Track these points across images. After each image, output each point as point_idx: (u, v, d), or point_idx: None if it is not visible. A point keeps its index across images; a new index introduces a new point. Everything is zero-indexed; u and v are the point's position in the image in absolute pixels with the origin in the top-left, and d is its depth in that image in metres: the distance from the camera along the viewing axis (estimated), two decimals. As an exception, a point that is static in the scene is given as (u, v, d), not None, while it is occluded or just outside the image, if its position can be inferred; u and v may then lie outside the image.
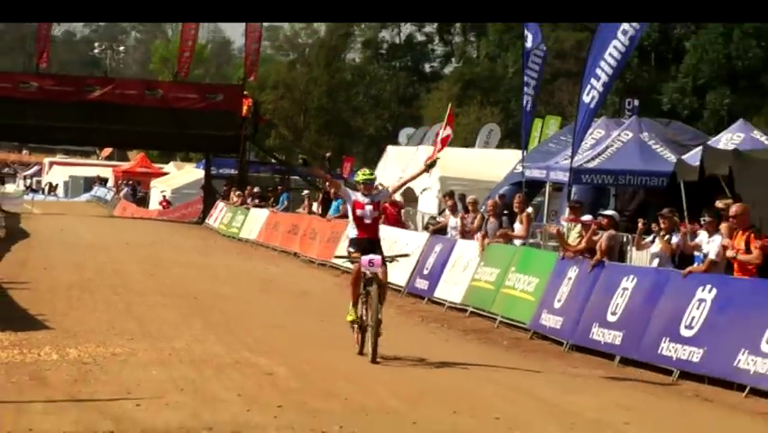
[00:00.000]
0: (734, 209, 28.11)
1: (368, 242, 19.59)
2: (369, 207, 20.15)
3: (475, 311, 37.67)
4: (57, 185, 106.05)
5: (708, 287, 26.20)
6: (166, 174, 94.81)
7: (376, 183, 22.52)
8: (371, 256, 18.77)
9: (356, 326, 20.60)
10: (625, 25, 38.65)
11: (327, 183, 20.83)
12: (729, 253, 27.39)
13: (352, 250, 19.74)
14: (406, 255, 30.97)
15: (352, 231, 20.48)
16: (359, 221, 19.83)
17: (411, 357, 26.59)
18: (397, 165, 69.27)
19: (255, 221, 72.02)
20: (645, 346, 27.35)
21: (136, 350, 23.97)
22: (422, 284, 41.76)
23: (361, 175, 20.47)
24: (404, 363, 25.12)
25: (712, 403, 23.07)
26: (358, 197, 19.59)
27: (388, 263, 23.10)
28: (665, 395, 23.93)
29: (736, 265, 27.40)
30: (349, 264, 26.83)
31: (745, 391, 23.40)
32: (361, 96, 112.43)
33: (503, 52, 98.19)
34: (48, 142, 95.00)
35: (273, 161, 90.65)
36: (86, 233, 65.46)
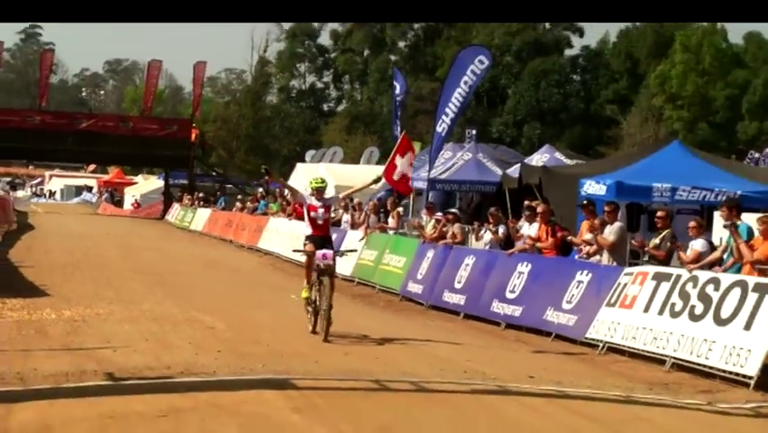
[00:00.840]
0: (539, 209, 28.81)
1: (320, 238, 18.99)
2: (321, 210, 19.50)
3: (360, 282, 37.86)
4: (55, 191, 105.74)
5: (525, 263, 26.60)
6: (135, 183, 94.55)
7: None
8: (325, 251, 18.28)
9: (310, 307, 19.47)
10: (466, 77, 38.37)
11: (287, 188, 19.20)
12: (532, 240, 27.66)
13: (306, 243, 19.11)
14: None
15: (307, 229, 19.75)
16: (312, 221, 19.18)
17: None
18: (305, 177, 69.41)
19: (201, 217, 71.82)
20: (481, 306, 27.80)
21: (114, 311, 24.05)
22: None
23: (313, 183, 19.80)
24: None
25: (528, 345, 23.35)
26: (312, 200, 18.98)
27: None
28: (496, 340, 24.30)
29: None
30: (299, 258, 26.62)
31: (551, 337, 24.12)
32: (277, 126, 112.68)
33: (379, 96, 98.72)
34: (47, 160, 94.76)
35: (214, 173, 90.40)
36: (76, 226, 65.00)
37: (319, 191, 19.29)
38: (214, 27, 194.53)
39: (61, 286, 29.65)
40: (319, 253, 17.99)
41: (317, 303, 19.19)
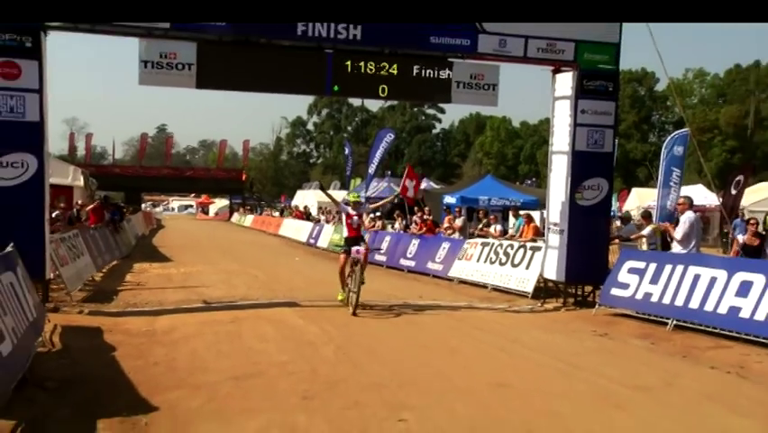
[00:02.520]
0: (425, 212, 28.28)
1: (354, 239, 15.64)
2: (355, 218, 15.87)
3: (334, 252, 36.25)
4: (174, 208, 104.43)
5: (416, 239, 26.32)
6: (214, 202, 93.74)
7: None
8: (358, 247, 15.09)
9: (348, 296, 15.31)
10: (383, 144, 38.19)
11: (331, 199, 16.40)
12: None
13: (344, 246, 15.84)
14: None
15: (344, 231, 16.32)
16: (349, 226, 15.91)
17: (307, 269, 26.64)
18: (302, 197, 68.92)
19: (249, 219, 70.85)
20: (395, 261, 26.64)
21: (205, 269, 23.94)
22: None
23: (351, 197, 16.72)
24: (314, 273, 25.03)
25: (419, 281, 23.11)
26: (349, 210, 15.86)
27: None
28: (402, 279, 23.72)
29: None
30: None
31: (430, 276, 23.49)
32: (286, 171, 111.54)
33: (339, 154, 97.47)
34: (170, 191, 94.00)
35: (254, 196, 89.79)
36: (184, 226, 64.24)
37: (356, 204, 16.22)
38: (253, 121, 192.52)
39: (179, 256, 29.40)
40: (354, 248, 15.11)
41: (351, 287, 15.36)
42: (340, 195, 56.68)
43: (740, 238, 18.40)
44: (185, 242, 40.47)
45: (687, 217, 16.28)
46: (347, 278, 15.73)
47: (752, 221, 13.59)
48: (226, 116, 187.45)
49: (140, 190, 75.35)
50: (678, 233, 16.20)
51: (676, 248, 16.13)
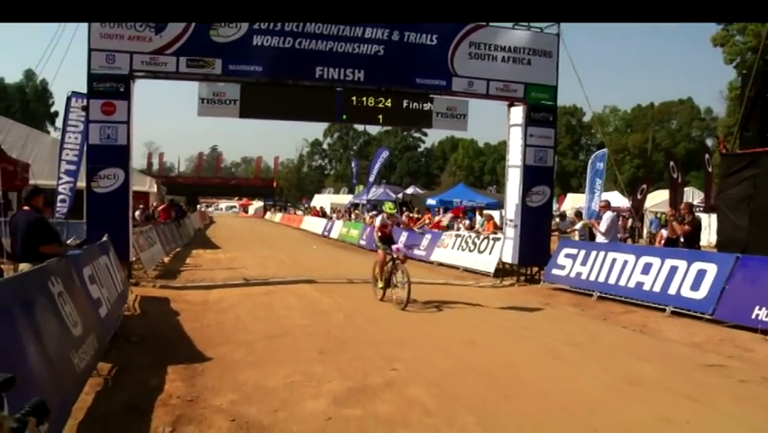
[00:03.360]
0: (414, 212, 28.06)
1: (389, 239, 13.58)
2: (390, 227, 14.19)
3: (341, 240, 36.21)
4: (222, 208, 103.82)
5: (405, 232, 26.25)
6: (252, 204, 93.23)
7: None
8: (396, 245, 13.31)
9: (382, 284, 13.52)
10: (380, 159, 38.31)
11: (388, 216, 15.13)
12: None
13: (381, 244, 13.52)
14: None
15: (378, 233, 14.09)
16: (383, 229, 13.81)
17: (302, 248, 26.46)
18: (318, 200, 68.82)
19: (278, 216, 70.51)
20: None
21: (245, 254, 23.77)
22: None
23: (387, 209, 14.20)
24: (318, 251, 24.92)
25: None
26: (384, 219, 13.95)
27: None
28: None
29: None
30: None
31: (416, 260, 23.25)
32: (307, 180, 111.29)
33: (347, 168, 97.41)
34: (219, 195, 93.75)
35: (283, 199, 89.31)
36: (229, 222, 64.11)
37: (390, 215, 14.18)
38: (282, 142, 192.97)
39: (225, 244, 29.36)
40: (394, 246, 13.18)
41: (393, 280, 13.30)
42: (347, 198, 57.19)
43: (663, 232, 18.37)
44: (230, 234, 40.37)
45: (608, 216, 16.40)
46: (386, 273, 13.41)
47: (682, 210, 13.47)
48: (262, 139, 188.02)
49: (197, 195, 75.02)
50: (602, 227, 16.26)
51: (600, 239, 16.17)
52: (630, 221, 29.87)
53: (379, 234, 13.82)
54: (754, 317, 10.75)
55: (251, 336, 9.57)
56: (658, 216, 33.42)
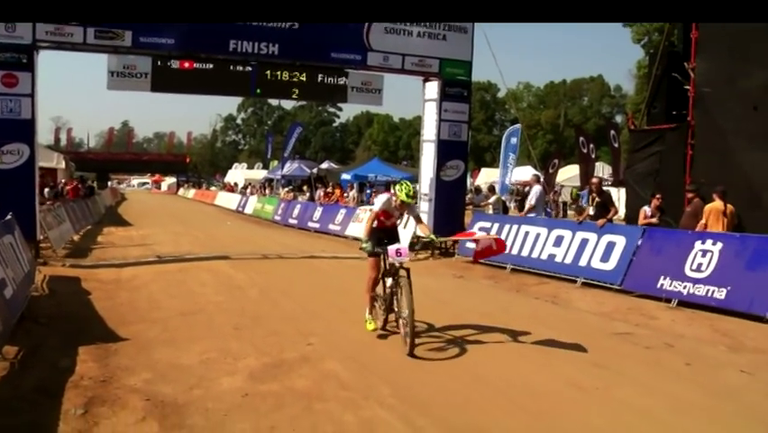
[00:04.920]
0: (329, 187, 27.94)
1: (387, 232, 8.49)
2: (395, 215, 8.83)
3: (254, 216, 35.83)
4: (134, 184, 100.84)
5: (319, 207, 26.17)
6: (165, 180, 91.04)
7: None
8: (398, 246, 7.90)
9: (383, 315, 8.31)
10: (294, 135, 38.05)
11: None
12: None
13: (368, 244, 8.19)
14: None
15: (365, 224, 8.69)
16: (384, 215, 8.48)
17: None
18: (232, 175, 68.04)
19: (191, 192, 69.05)
20: (303, 223, 26.69)
21: (158, 231, 23.32)
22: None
23: (402, 191, 8.12)
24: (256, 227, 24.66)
25: (321, 239, 22.80)
26: (391, 204, 8.45)
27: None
28: (310, 238, 23.49)
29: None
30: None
31: (331, 234, 23.20)
32: (220, 156, 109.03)
33: (261, 143, 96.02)
34: (131, 172, 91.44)
35: (195, 175, 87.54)
36: (142, 198, 62.37)
37: (403, 204, 8.18)
38: (195, 117, 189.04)
39: (138, 221, 28.65)
40: (392, 248, 7.80)
41: (392, 304, 8.01)
42: (261, 174, 56.51)
43: (591, 210, 18.79)
44: (142, 210, 39.40)
45: (536, 189, 16.84)
46: (386, 293, 8.13)
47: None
48: (175, 114, 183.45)
49: (108, 171, 73.50)
50: (531, 200, 16.61)
51: (531, 213, 16.39)
52: (555, 195, 30.40)
53: (376, 223, 8.46)
54: (659, 286, 11.20)
55: (165, 313, 9.42)
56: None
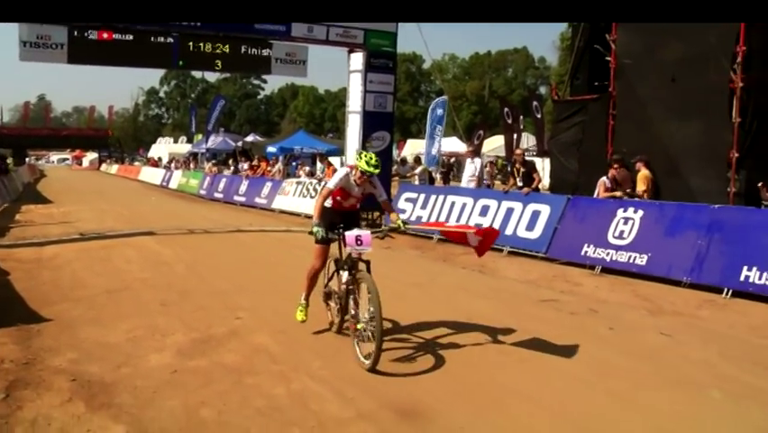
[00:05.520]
0: (255, 160, 27.67)
1: (345, 216, 7.02)
2: (357, 188, 6.89)
3: (179, 190, 35.34)
4: (53, 160, 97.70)
5: (245, 180, 25.88)
6: (86, 156, 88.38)
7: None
8: (358, 232, 6.42)
9: (333, 303, 7.20)
10: (218, 107, 37.39)
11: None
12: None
13: (321, 228, 6.69)
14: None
15: (320, 201, 7.00)
16: (342, 194, 6.96)
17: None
18: (157, 148, 66.80)
19: (114, 168, 67.12)
20: (229, 197, 26.52)
21: (82, 208, 22.66)
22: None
23: (362, 160, 6.65)
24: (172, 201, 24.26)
25: (248, 213, 22.52)
26: (349, 178, 6.82)
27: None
28: (235, 212, 23.21)
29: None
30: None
31: (257, 208, 22.95)
32: (143, 130, 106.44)
33: (184, 116, 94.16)
34: (50, 148, 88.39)
35: (118, 151, 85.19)
36: (62, 174, 60.42)
37: (367, 174, 6.70)
38: (116, 91, 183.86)
39: (58, 198, 27.74)
40: (349, 234, 6.35)
41: (350, 306, 6.51)
42: (186, 148, 55.65)
43: (518, 181, 19.00)
44: (63, 187, 38.25)
45: (478, 162, 17.04)
46: (341, 291, 6.88)
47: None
48: (95, 87, 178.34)
49: (25, 147, 70.92)
50: (477, 173, 16.72)
51: (470, 184, 16.49)
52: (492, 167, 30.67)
53: (331, 203, 7.03)
54: (583, 253, 11.52)
55: (89, 291, 9.20)
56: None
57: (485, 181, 20.99)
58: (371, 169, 6.65)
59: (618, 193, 12.50)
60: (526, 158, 15.27)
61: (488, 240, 6.80)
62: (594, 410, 5.20)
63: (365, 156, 6.72)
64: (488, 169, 28.77)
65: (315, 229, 6.64)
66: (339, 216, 6.94)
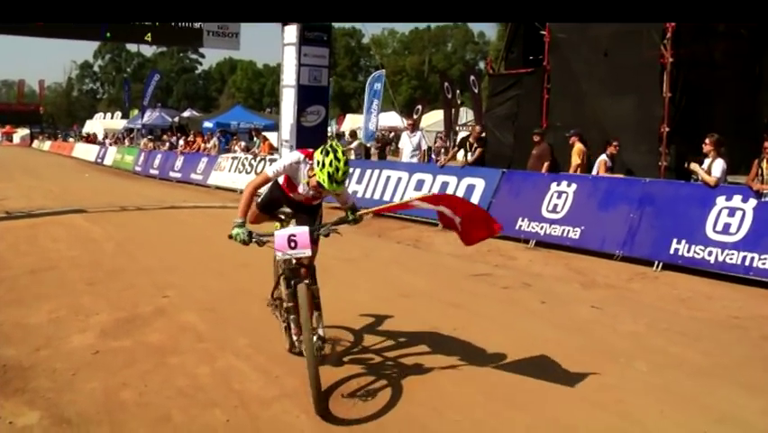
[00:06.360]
0: (191, 135, 27.15)
1: (302, 208, 5.31)
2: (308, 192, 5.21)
3: (116, 167, 34.40)
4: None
5: (182, 157, 25.43)
6: (17, 132, 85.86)
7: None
8: (298, 229, 4.76)
9: (287, 314, 5.17)
10: (154, 77, 36.56)
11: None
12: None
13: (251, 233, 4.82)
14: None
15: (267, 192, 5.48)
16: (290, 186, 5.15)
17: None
18: (91, 125, 65.14)
19: (47, 144, 65.16)
20: (164, 174, 26.19)
21: (9, 185, 21.84)
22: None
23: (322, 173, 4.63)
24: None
25: (186, 189, 22.18)
26: (293, 164, 4.94)
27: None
28: (174, 189, 22.69)
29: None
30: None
31: (193, 185, 22.56)
32: (77, 105, 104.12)
33: (120, 91, 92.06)
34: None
35: (51, 126, 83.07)
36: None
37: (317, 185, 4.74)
38: (47, 64, 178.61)
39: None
40: (280, 236, 4.73)
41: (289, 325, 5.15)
42: (121, 123, 54.46)
43: (469, 156, 19.11)
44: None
45: (419, 135, 16.94)
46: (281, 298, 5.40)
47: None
48: (23, 60, 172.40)
49: (-50, 124, 69.06)
50: (423, 146, 16.68)
51: (413, 159, 16.43)
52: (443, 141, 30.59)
53: (267, 199, 5.49)
54: (517, 228, 11.60)
55: (12, 272, 8.90)
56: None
57: (433, 157, 21.00)
58: (334, 186, 4.67)
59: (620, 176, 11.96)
60: (482, 135, 15.15)
61: (477, 225, 5.24)
62: (522, 384, 5.21)
63: (332, 162, 4.59)
64: (438, 144, 28.89)
65: (234, 231, 4.83)
66: (294, 205, 5.32)
